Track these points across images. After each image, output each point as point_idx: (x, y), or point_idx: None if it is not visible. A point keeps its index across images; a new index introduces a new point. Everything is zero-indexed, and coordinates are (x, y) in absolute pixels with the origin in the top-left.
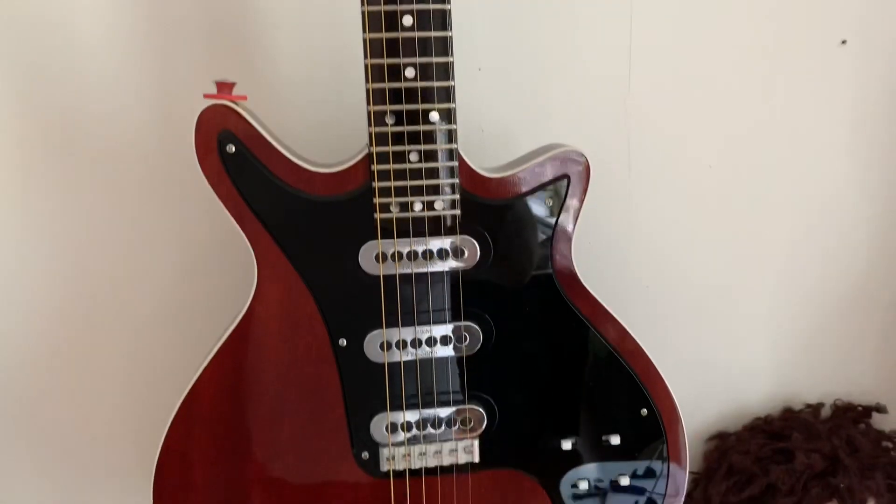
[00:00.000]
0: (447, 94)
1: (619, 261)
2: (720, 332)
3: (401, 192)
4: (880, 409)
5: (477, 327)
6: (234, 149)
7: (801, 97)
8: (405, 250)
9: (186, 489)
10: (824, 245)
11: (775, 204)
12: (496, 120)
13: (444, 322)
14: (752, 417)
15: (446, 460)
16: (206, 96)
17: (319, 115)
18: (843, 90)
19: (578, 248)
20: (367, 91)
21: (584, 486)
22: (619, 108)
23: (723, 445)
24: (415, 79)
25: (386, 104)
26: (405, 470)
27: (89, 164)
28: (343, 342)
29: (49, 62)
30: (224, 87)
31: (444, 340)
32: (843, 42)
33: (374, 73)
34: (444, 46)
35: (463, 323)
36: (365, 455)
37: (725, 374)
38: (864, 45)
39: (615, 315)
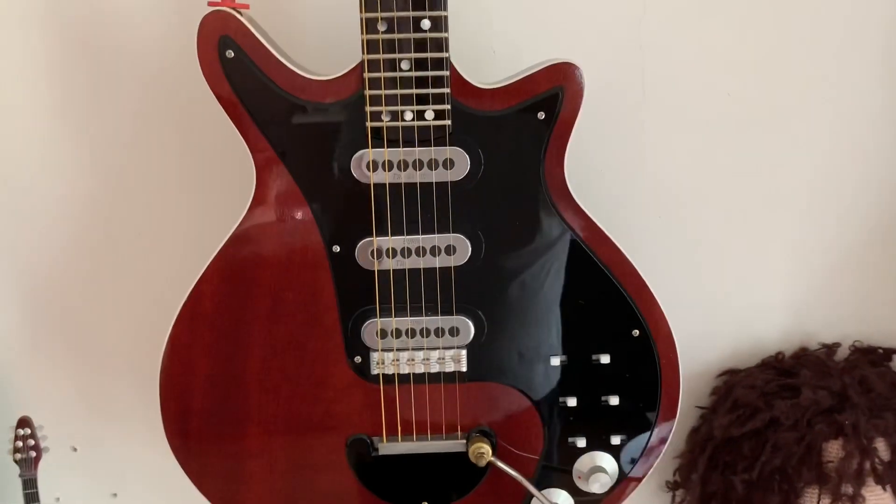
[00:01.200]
0: (439, 1)
1: (631, 191)
2: (736, 267)
3: (392, 100)
4: None
5: (466, 239)
6: (232, 54)
7: (824, 37)
8: (395, 159)
9: (189, 382)
10: (848, 179)
11: (797, 138)
12: (509, 42)
13: (433, 232)
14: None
15: (434, 368)
16: (210, 3)
17: (320, 27)
18: (874, 19)
19: (590, 175)
20: None
21: (572, 402)
22: (634, 33)
23: (731, 381)
24: None
25: (377, 11)
26: (395, 375)
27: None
28: (336, 248)
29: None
30: None
31: (434, 251)
32: None
33: None
34: None
35: (452, 234)
36: (357, 359)
37: (742, 312)
38: None
39: (609, 234)
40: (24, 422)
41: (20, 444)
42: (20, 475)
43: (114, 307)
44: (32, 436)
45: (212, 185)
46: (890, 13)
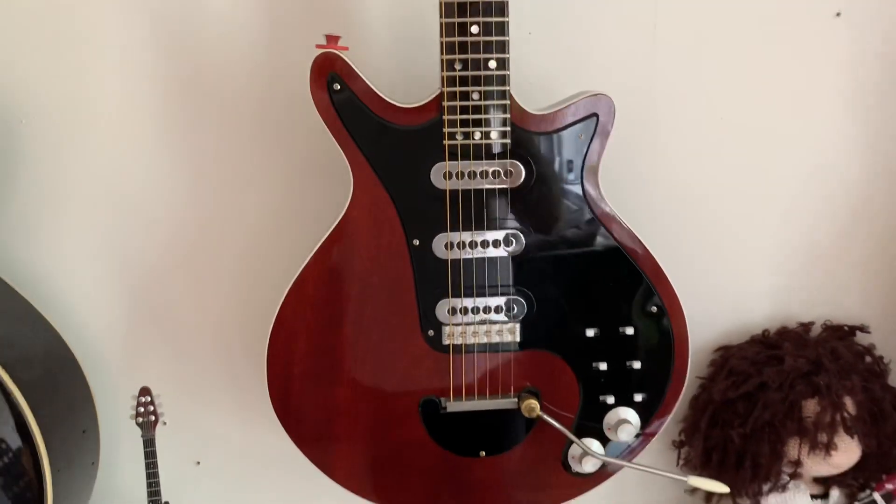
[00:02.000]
0: (503, 47)
1: (644, 196)
2: (730, 261)
3: (465, 123)
4: (863, 328)
5: (521, 234)
6: (339, 87)
7: (800, 60)
8: (467, 170)
9: (291, 353)
10: (820, 189)
11: (780, 152)
12: (541, 76)
13: (496, 229)
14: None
15: (494, 339)
16: (318, 46)
17: (401, 67)
18: (840, 57)
19: (611, 182)
20: (441, 43)
21: (602, 366)
22: (646, 66)
23: (726, 354)
24: (478, 34)
25: (455, 54)
26: (462, 345)
27: (212, 104)
28: (416, 242)
29: (182, 22)
30: (331, 39)
31: (496, 244)
32: (838, 14)
33: (447, 30)
34: (501, 9)
35: (510, 231)
36: (430, 332)
37: (733, 297)
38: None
39: (632, 228)
40: (145, 391)
41: (142, 409)
42: (142, 436)
43: (202, 299)
44: (151, 402)
45: (302, 192)
46: (853, 39)
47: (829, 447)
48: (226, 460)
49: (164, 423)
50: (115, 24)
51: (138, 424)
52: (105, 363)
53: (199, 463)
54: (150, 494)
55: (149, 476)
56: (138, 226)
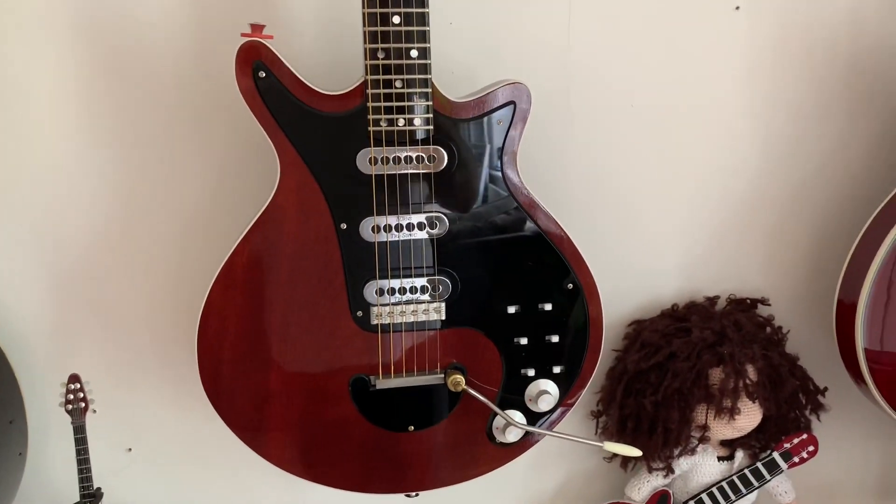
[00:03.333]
0: (424, 37)
1: (561, 179)
2: (641, 240)
3: (388, 110)
4: (764, 301)
5: (444, 216)
6: (264, 74)
7: (703, 52)
8: (391, 155)
9: (222, 337)
10: (722, 171)
11: (686, 138)
12: (463, 64)
13: (420, 212)
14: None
15: (420, 318)
16: (243, 35)
17: (325, 55)
18: (739, 48)
19: (530, 167)
20: (364, 34)
21: (523, 341)
22: (561, 54)
23: (639, 327)
24: (400, 24)
25: (378, 43)
26: (390, 324)
27: (139, 91)
28: (343, 226)
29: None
30: (257, 28)
31: (420, 226)
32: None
33: (369, 20)
34: (422, 1)
35: (434, 213)
36: (359, 313)
37: (644, 275)
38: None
39: (550, 211)
40: (74, 377)
41: (71, 396)
42: (72, 423)
43: (133, 286)
44: (81, 389)
45: (231, 178)
46: (751, 32)
47: (732, 412)
48: (158, 445)
49: (94, 411)
50: (38, 12)
51: (68, 412)
52: (31, 351)
53: (130, 449)
54: (81, 481)
55: (80, 463)
56: (65, 211)
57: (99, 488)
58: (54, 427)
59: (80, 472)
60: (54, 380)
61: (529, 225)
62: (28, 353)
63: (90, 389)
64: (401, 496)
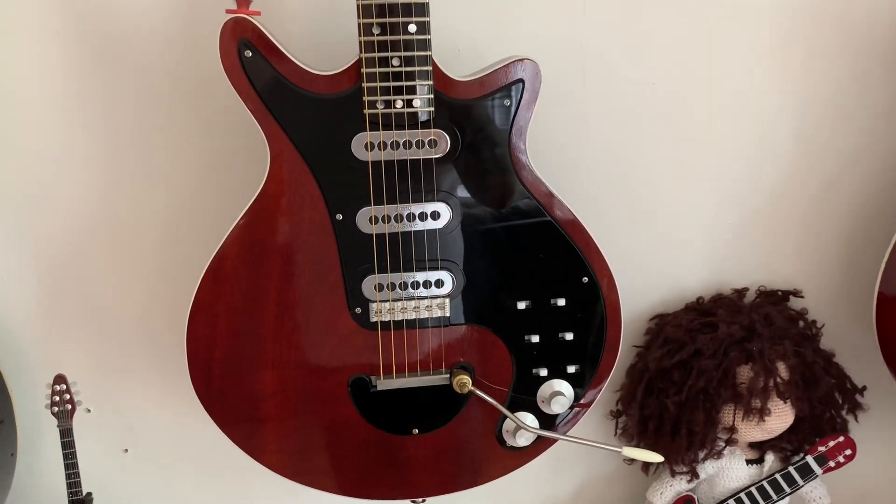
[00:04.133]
0: (423, 10)
1: (574, 164)
2: (664, 229)
3: (385, 91)
4: (797, 293)
5: (447, 205)
6: (250, 53)
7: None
8: (389, 140)
9: (212, 335)
10: (751, 155)
11: (713, 121)
12: (469, 41)
13: (421, 201)
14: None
15: (423, 315)
16: (228, 11)
17: (318, 28)
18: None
19: (540, 152)
20: (358, 7)
21: (535, 339)
22: (575, 30)
23: (661, 322)
24: None
25: (373, 17)
26: (390, 322)
27: (122, 85)
28: (339, 216)
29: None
30: (243, 3)
31: (421, 217)
32: None
33: None
34: None
35: (436, 203)
36: (358, 310)
37: (667, 266)
38: None
39: (561, 198)
40: (60, 378)
41: (57, 398)
42: (58, 426)
43: (123, 283)
44: (67, 391)
45: (220, 169)
46: (780, 12)
47: (762, 412)
48: (155, 447)
49: (89, 411)
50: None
51: (54, 414)
52: (21, 352)
53: (126, 450)
54: (69, 486)
55: (67, 467)
56: (52, 210)
57: (89, 493)
58: (46, 429)
59: (68, 476)
60: (45, 381)
61: (541, 215)
62: (17, 353)
63: (78, 391)
64: (405, 502)
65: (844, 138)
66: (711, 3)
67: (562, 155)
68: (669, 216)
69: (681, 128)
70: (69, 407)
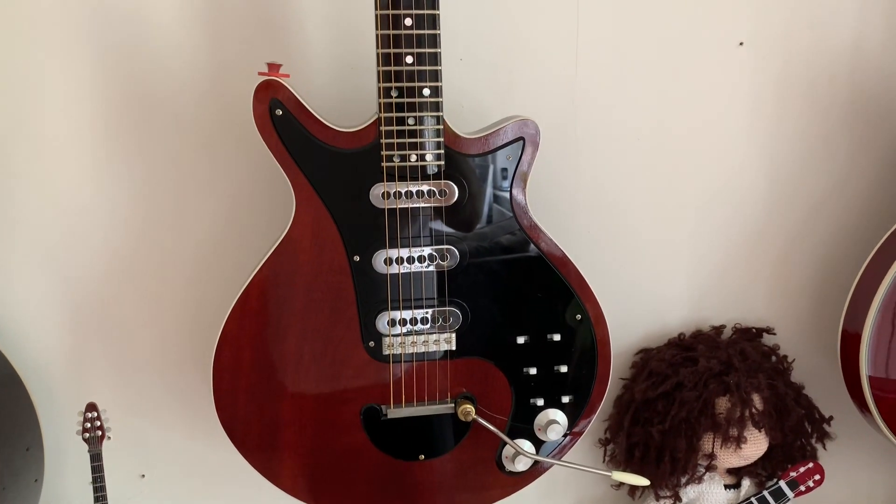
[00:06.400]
0: (436, 76)
1: (569, 210)
2: (648, 270)
3: (401, 146)
4: (769, 330)
5: (455, 249)
6: (281, 112)
7: (709, 85)
8: (403, 190)
9: (237, 366)
10: (728, 204)
11: (691, 170)
12: (472, 98)
13: (430, 245)
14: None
15: (431, 348)
16: (260, 73)
17: (338, 92)
18: (742, 83)
19: (538, 198)
20: (378, 73)
21: (533, 371)
22: (569, 89)
23: (646, 356)
24: (413, 64)
25: (392, 82)
26: (401, 355)
27: (155, 127)
28: (356, 258)
29: (127, 49)
30: (273, 67)
31: (431, 258)
32: (741, 43)
33: (383, 59)
34: (434, 41)
35: (445, 246)
36: (371, 343)
37: (652, 304)
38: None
39: (559, 244)
40: (91, 406)
41: (88, 424)
42: (89, 451)
43: (149, 314)
44: (98, 418)
45: (247, 211)
46: (755, 67)
47: (739, 440)
48: (171, 472)
49: (109, 438)
50: (59, 47)
51: (85, 440)
52: (49, 378)
53: (143, 476)
54: None
55: (95, 490)
56: (83, 241)
57: None
58: (70, 454)
59: (97, 500)
60: (71, 407)
61: (538, 257)
62: (45, 380)
63: (107, 418)
64: None
65: (812, 189)
66: (694, 70)
67: (558, 199)
68: (653, 258)
69: (663, 177)
70: (99, 433)
